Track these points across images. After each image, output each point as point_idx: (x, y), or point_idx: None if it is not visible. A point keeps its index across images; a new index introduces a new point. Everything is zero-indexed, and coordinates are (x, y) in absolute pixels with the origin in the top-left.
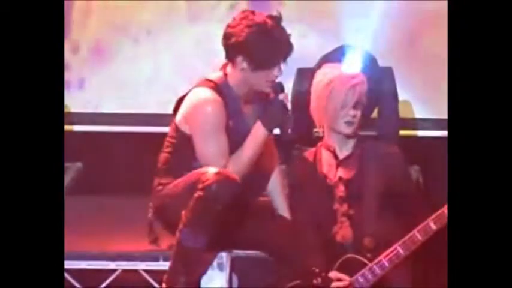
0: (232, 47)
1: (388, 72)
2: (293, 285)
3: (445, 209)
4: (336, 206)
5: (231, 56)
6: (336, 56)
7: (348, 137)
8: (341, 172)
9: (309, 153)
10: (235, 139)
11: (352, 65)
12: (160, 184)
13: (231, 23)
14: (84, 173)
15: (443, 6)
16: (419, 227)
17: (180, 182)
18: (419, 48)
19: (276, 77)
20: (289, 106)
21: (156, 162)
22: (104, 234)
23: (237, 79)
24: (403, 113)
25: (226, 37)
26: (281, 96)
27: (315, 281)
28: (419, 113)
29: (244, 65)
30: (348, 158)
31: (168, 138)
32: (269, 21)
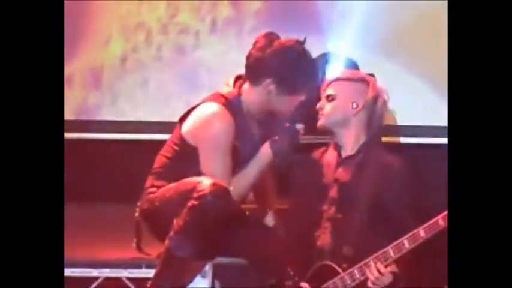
0: (261, 71)
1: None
2: (268, 285)
3: (416, 233)
4: (325, 207)
5: (256, 77)
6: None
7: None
8: (338, 173)
9: (316, 152)
10: (239, 160)
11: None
12: (153, 186)
13: (258, 45)
14: (68, 180)
15: (430, 8)
16: (392, 244)
17: (172, 188)
18: (402, 54)
19: (301, 102)
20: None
21: (142, 170)
22: (87, 242)
23: (255, 98)
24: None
25: (255, 59)
26: (299, 126)
27: (287, 283)
28: (401, 120)
29: (272, 88)
30: (349, 158)
31: (170, 143)
32: (299, 47)
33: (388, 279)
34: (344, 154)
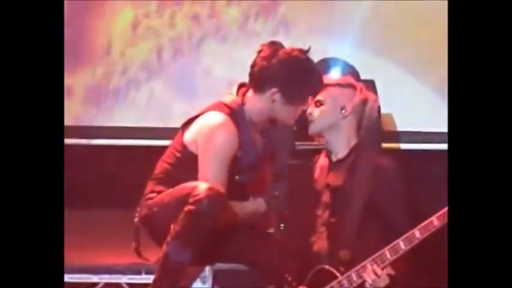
0: (267, 80)
1: (370, 85)
2: None
3: (411, 235)
4: (319, 212)
5: (261, 86)
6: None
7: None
8: (330, 178)
9: (311, 158)
10: (239, 169)
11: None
12: (153, 191)
13: (263, 54)
14: (66, 186)
15: (428, 11)
16: (388, 246)
17: (169, 193)
18: (402, 59)
19: (304, 111)
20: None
21: (142, 176)
22: (86, 248)
23: (259, 107)
24: (385, 125)
25: (260, 69)
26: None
27: None
28: (401, 126)
29: (277, 97)
30: (340, 162)
31: (171, 150)
32: (304, 56)
33: (384, 281)
34: (335, 158)
